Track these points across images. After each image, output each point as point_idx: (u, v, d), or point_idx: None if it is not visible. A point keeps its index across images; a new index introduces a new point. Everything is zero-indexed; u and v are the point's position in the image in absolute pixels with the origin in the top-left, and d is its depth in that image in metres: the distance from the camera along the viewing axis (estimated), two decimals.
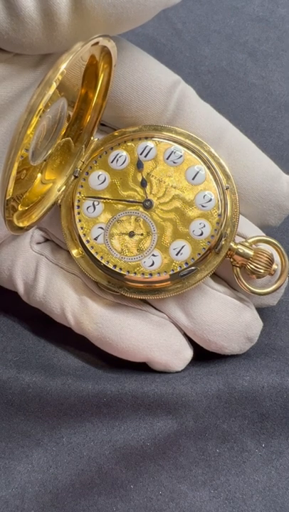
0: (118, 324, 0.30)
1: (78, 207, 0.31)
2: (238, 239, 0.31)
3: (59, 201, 0.31)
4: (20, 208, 0.29)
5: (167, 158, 0.30)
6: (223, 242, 0.30)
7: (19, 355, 0.33)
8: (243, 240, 0.30)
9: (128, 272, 0.30)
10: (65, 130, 0.30)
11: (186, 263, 0.30)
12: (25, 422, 0.30)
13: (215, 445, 0.30)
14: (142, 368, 0.31)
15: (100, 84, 0.30)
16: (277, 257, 0.30)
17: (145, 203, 0.30)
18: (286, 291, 0.32)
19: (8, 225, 0.28)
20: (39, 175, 0.30)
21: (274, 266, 0.30)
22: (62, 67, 0.25)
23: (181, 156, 0.30)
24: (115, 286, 0.30)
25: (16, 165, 0.25)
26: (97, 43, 0.27)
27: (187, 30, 0.42)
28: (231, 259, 0.30)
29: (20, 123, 0.24)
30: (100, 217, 0.30)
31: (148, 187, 0.30)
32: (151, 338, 0.30)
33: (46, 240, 0.33)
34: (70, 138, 0.31)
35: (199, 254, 0.30)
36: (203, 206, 0.30)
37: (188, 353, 0.31)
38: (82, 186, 0.31)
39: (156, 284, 0.30)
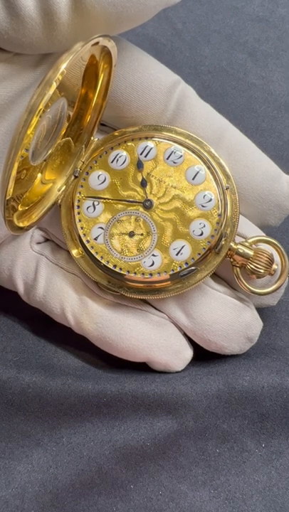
0: (118, 324, 0.30)
1: (78, 207, 0.31)
2: (238, 239, 0.31)
3: (59, 201, 0.31)
4: (20, 208, 0.29)
5: (167, 158, 0.30)
6: (223, 242, 0.30)
7: (19, 355, 0.33)
8: (243, 240, 0.30)
9: (128, 271, 0.30)
10: (65, 130, 0.30)
11: (186, 263, 0.30)
12: (25, 422, 0.30)
13: (215, 445, 0.30)
14: (142, 368, 0.31)
15: (100, 84, 0.30)
16: (277, 257, 0.30)
17: (145, 203, 0.30)
18: (286, 291, 0.32)
19: (8, 225, 0.28)
20: (39, 175, 0.30)
21: (274, 266, 0.30)
22: (63, 67, 0.25)
23: (181, 156, 0.30)
24: (115, 286, 0.30)
25: (16, 165, 0.25)
26: (97, 43, 0.27)
27: (187, 30, 0.42)
28: (231, 259, 0.30)
29: (20, 123, 0.24)
30: (100, 217, 0.30)
31: (148, 187, 0.30)
32: (151, 338, 0.30)
33: (46, 240, 0.33)
34: (70, 138, 0.31)
35: (199, 254, 0.30)
36: (203, 206, 0.30)
37: (188, 353, 0.31)
38: (82, 186, 0.31)
39: (156, 284, 0.30)
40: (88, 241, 0.30)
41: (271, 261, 0.30)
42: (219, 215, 0.30)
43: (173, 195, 0.30)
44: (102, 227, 0.30)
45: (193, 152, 0.30)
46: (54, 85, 0.24)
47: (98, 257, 0.30)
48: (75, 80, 0.29)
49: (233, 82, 0.41)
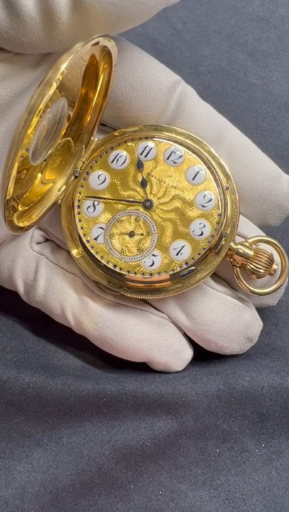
0: (118, 324, 0.30)
1: (78, 207, 0.31)
2: (238, 239, 0.31)
3: (59, 201, 0.31)
4: (20, 208, 0.29)
5: (167, 158, 0.30)
6: (223, 242, 0.30)
7: (19, 355, 0.33)
8: (243, 240, 0.30)
9: (128, 271, 0.30)
10: (65, 130, 0.30)
11: (186, 263, 0.30)
12: (25, 422, 0.30)
13: (215, 445, 0.30)
14: (142, 368, 0.31)
15: (100, 84, 0.30)
16: (277, 257, 0.30)
17: (145, 203, 0.30)
18: (286, 291, 0.32)
19: (8, 224, 0.28)
20: (39, 175, 0.30)
21: (274, 266, 0.30)
22: (63, 67, 0.25)
23: (181, 156, 0.30)
24: (115, 286, 0.30)
25: (16, 165, 0.25)
26: (97, 43, 0.27)
27: (187, 30, 0.42)
28: (231, 259, 0.30)
29: (20, 123, 0.24)
30: (100, 217, 0.30)
31: (148, 187, 0.30)
32: (151, 338, 0.30)
33: (46, 240, 0.33)
34: (70, 138, 0.31)
35: (199, 254, 0.30)
36: (203, 206, 0.30)
37: (188, 353, 0.31)
38: (82, 186, 0.31)
39: (157, 284, 0.30)
40: (88, 241, 0.30)
41: (271, 261, 0.30)
42: (219, 215, 0.30)
43: (173, 195, 0.30)
44: (102, 227, 0.30)
45: (194, 152, 0.30)
46: (54, 85, 0.24)
47: (98, 257, 0.30)
48: (75, 79, 0.29)
49: (233, 82, 0.41)
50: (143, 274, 0.30)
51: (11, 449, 0.30)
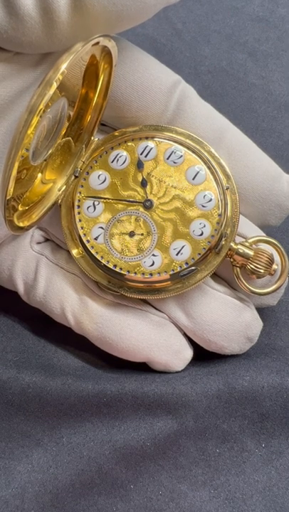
0: (118, 324, 0.30)
1: (78, 207, 0.31)
2: (238, 239, 0.31)
3: (59, 201, 0.31)
4: (20, 208, 0.29)
5: (167, 158, 0.30)
6: (223, 242, 0.30)
7: (19, 355, 0.33)
8: (243, 240, 0.30)
9: (128, 271, 0.30)
10: (65, 130, 0.30)
11: (187, 263, 0.30)
12: (25, 422, 0.30)
13: (215, 445, 0.30)
14: (142, 368, 0.31)
15: (101, 84, 0.30)
16: (277, 257, 0.30)
17: (145, 203, 0.30)
18: (286, 291, 0.32)
19: (8, 224, 0.28)
20: (39, 175, 0.30)
21: (274, 266, 0.30)
22: (63, 67, 0.25)
23: (181, 156, 0.30)
24: (115, 286, 0.30)
25: (16, 165, 0.25)
26: (97, 42, 0.27)
27: (187, 30, 0.42)
28: (231, 259, 0.30)
29: (20, 123, 0.24)
30: (100, 217, 0.30)
31: (148, 187, 0.30)
32: (151, 338, 0.30)
33: (46, 240, 0.33)
34: (70, 138, 0.31)
35: (199, 254, 0.29)
36: (203, 206, 0.30)
37: (188, 353, 0.31)
38: (82, 186, 0.31)
39: (157, 284, 0.30)
40: (88, 241, 0.30)
41: (271, 261, 0.30)
42: (219, 215, 0.30)
43: (173, 195, 0.30)
44: (102, 227, 0.30)
45: (194, 152, 0.30)
46: (54, 85, 0.24)
47: (98, 257, 0.30)
48: (75, 79, 0.29)
49: (233, 82, 0.40)
50: (143, 274, 0.30)
51: (11, 449, 0.30)
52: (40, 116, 0.25)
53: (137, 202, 0.30)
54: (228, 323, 0.30)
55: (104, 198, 0.31)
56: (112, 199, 0.30)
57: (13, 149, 0.25)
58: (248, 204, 0.31)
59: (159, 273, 0.30)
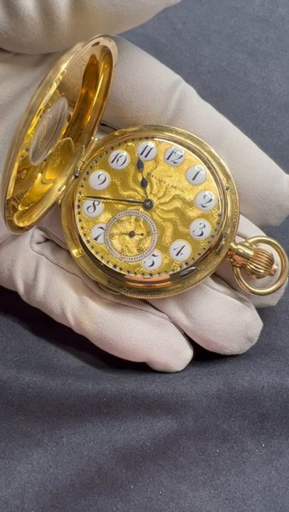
0: (118, 324, 0.30)
1: (78, 207, 0.31)
2: (238, 239, 0.31)
3: (59, 201, 0.31)
4: (20, 208, 0.29)
5: (168, 158, 0.30)
6: (223, 242, 0.30)
7: (19, 355, 0.33)
8: (243, 240, 0.30)
9: (128, 271, 0.30)
10: (65, 130, 0.30)
11: (187, 263, 0.30)
12: (25, 422, 0.30)
13: (215, 445, 0.30)
14: (142, 368, 0.31)
15: (101, 84, 0.30)
16: (277, 257, 0.30)
17: (145, 203, 0.30)
18: (286, 291, 0.32)
19: (8, 224, 0.28)
20: (39, 175, 0.30)
21: (274, 266, 0.30)
22: (63, 67, 0.25)
23: (181, 156, 0.30)
24: (115, 286, 0.30)
25: (16, 165, 0.25)
26: (97, 43, 0.27)
27: (187, 30, 0.42)
28: (231, 260, 0.30)
29: (20, 123, 0.24)
30: (100, 217, 0.30)
31: (148, 187, 0.30)
32: (151, 338, 0.30)
33: (46, 240, 0.33)
34: (70, 138, 0.31)
35: (199, 254, 0.30)
36: (203, 206, 0.30)
37: (188, 353, 0.31)
38: (82, 186, 0.31)
39: (157, 284, 0.30)
40: (88, 241, 0.30)
41: (271, 261, 0.30)
42: (219, 215, 0.30)
43: (173, 195, 0.30)
44: (102, 227, 0.30)
45: (194, 152, 0.30)
46: (54, 85, 0.24)
47: (98, 257, 0.30)
48: (75, 79, 0.29)
49: (233, 82, 0.41)
50: (143, 274, 0.30)
51: (11, 449, 0.30)
52: (40, 116, 0.25)
53: (137, 202, 0.30)
54: (228, 323, 0.30)
55: (105, 198, 0.31)
56: (112, 199, 0.30)
57: (13, 149, 0.25)
58: (248, 204, 0.31)
59: (159, 273, 0.30)
